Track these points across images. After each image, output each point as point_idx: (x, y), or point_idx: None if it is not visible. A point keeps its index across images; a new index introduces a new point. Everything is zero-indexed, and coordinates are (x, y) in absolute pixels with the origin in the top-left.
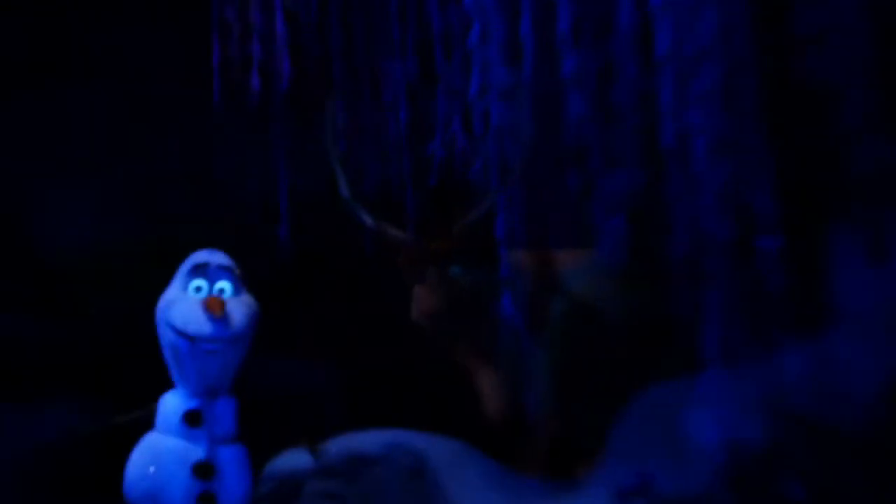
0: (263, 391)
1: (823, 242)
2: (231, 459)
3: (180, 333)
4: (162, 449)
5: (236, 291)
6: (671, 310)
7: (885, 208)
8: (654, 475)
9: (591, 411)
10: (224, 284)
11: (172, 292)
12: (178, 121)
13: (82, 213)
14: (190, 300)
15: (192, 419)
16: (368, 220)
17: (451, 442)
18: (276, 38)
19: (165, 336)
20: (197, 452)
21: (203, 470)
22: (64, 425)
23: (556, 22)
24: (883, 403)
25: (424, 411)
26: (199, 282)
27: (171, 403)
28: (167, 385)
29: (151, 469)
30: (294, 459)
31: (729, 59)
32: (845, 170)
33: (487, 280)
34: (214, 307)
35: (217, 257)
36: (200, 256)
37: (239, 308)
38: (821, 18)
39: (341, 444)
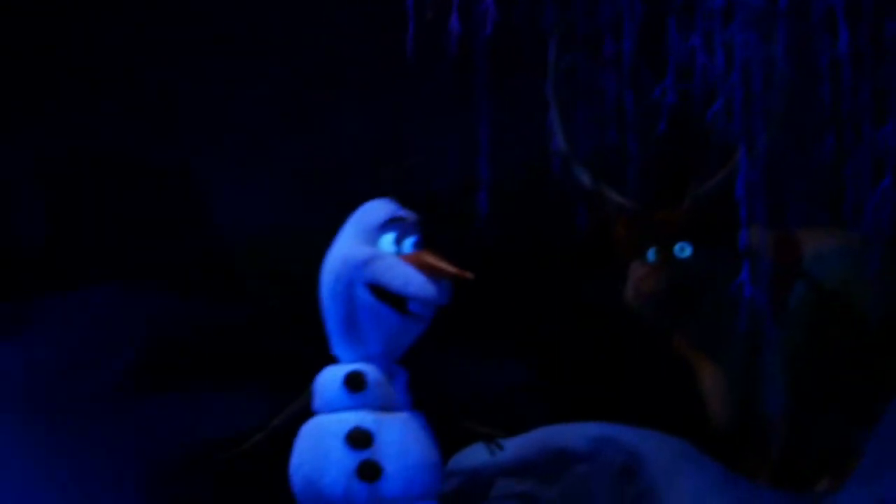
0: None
1: None
2: (402, 427)
3: (386, 294)
4: (316, 426)
5: (418, 248)
6: None
7: None
8: None
9: (835, 417)
10: (414, 241)
11: (364, 250)
12: (366, 86)
13: (265, 197)
14: (394, 258)
15: (353, 382)
16: (586, 179)
17: (671, 440)
18: None
19: (351, 296)
20: (352, 420)
21: (357, 438)
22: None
23: None
24: None
25: (637, 408)
26: (393, 234)
27: (331, 373)
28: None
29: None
30: (484, 454)
31: None
32: None
33: (723, 261)
34: (432, 264)
35: (402, 211)
36: (389, 209)
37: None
38: None
39: (539, 439)
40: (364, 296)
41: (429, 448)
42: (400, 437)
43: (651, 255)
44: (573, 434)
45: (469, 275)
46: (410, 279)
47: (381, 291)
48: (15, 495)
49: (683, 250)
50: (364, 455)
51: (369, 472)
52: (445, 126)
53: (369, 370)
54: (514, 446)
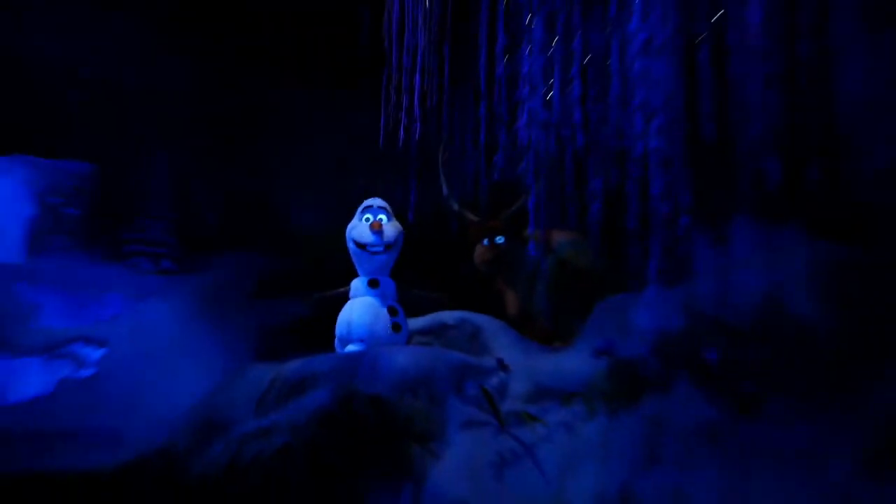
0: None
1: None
2: (400, 308)
3: (357, 244)
4: (359, 302)
5: (389, 220)
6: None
7: None
8: (615, 343)
9: (567, 313)
10: (382, 216)
11: (353, 222)
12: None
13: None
14: (362, 224)
15: (373, 284)
16: (456, 207)
17: (495, 320)
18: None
19: (350, 247)
20: (384, 302)
21: (392, 310)
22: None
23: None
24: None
25: (481, 309)
26: (368, 214)
27: (358, 280)
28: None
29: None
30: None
31: None
32: None
33: (518, 246)
34: (376, 226)
35: (377, 201)
36: (368, 202)
37: (391, 228)
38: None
39: (433, 317)
40: (351, 245)
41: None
42: (404, 314)
43: (486, 242)
44: (448, 316)
45: (377, 226)
46: (363, 234)
47: (356, 242)
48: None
49: (500, 240)
50: (394, 319)
51: (396, 327)
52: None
53: (381, 281)
54: (422, 321)
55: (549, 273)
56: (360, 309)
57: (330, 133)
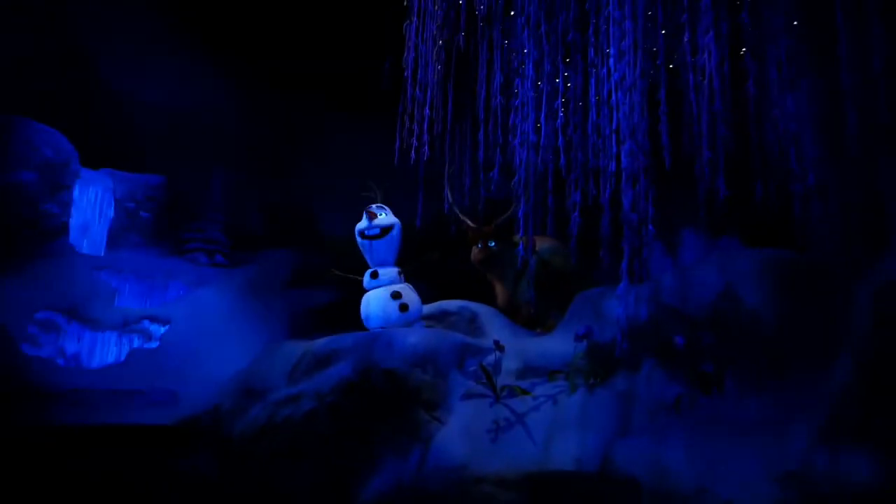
0: None
1: None
2: (410, 294)
3: (360, 234)
4: (373, 296)
5: (387, 215)
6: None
7: None
8: (594, 328)
9: (547, 304)
10: (381, 213)
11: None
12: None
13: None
14: (363, 220)
15: (374, 275)
16: (459, 215)
17: (489, 307)
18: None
19: (358, 241)
20: (388, 289)
21: (396, 294)
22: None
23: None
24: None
25: (477, 296)
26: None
27: (367, 272)
28: None
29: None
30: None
31: None
32: None
33: (507, 249)
34: (369, 214)
35: (376, 204)
36: (370, 205)
37: (386, 219)
38: None
39: (436, 306)
40: (357, 238)
41: (416, 301)
42: (412, 296)
43: (479, 245)
44: (449, 304)
45: (373, 213)
46: (361, 223)
47: (358, 233)
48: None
49: (492, 244)
50: (400, 301)
51: (403, 308)
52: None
53: (379, 270)
54: (427, 308)
55: (533, 271)
56: (373, 302)
57: (351, 153)
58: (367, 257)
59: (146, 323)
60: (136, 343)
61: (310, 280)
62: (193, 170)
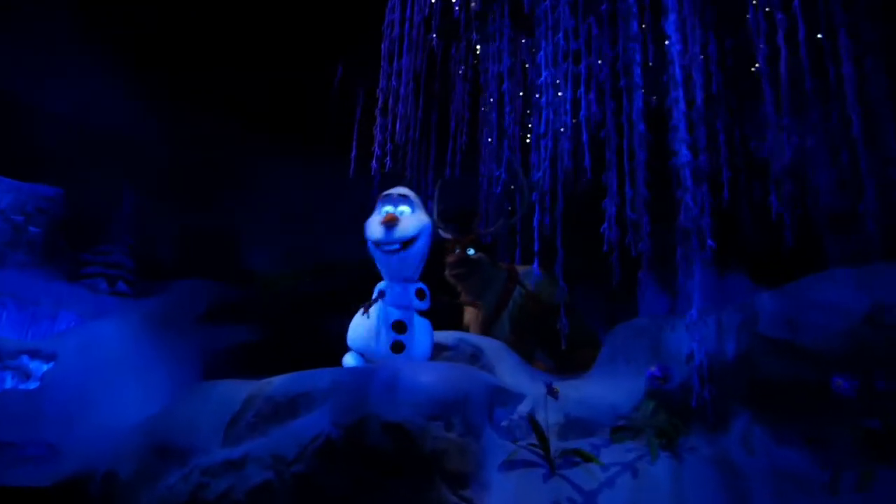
0: None
1: None
2: (418, 325)
3: (369, 240)
4: (374, 315)
5: (413, 211)
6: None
7: None
8: (672, 370)
9: (531, 339)
10: (404, 207)
11: (371, 217)
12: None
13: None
14: (376, 218)
15: (379, 295)
16: (442, 227)
17: (494, 341)
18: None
19: (369, 246)
20: (390, 315)
21: (398, 326)
22: None
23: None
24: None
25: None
26: (387, 207)
27: (378, 287)
28: None
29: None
30: None
31: None
32: None
33: (485, 263)
34: (387, 219)
35: (400, 189)
36: (389, 191)
37: (411, 221)
38: None
39: None
40: (369, 244)
41: (431, 340)
42: (420, 331)
43: (456, 251)
44: (443, 336)
45: (390, 219)
46: (373, 229)
47: (369, 239)
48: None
49: (470, 251)
50: (398, 337)
51: (397, 347)
52: None
53: (388, 288)
54: None
55: (519, 301)
56: (356, 321)
57: (285, 181)
58: (379, 266)
59: (25, 359)
60: (10, 383)
61: (229, 316)
62: (100, 186)
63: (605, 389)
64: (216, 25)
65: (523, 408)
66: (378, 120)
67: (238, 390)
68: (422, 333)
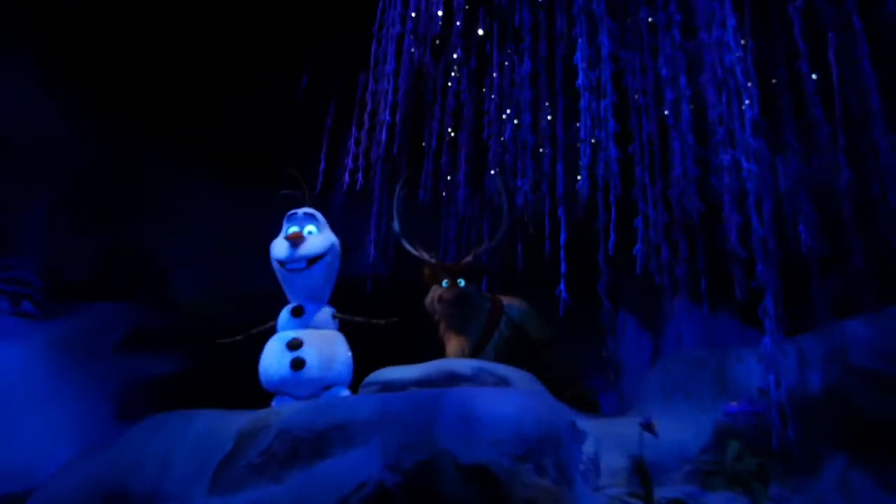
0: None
1: None
2: (320, 341)
3: (274, 259)
4: (273, 340)
5: (320, 230)
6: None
7: None
8: (756, 405)
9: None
10: (310, 227)
11: (277, 238)
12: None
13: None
14: (281, 238)
15: (297, 312)
16: (409, 246)
17: (523, 372)
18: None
19: (274, 267)
20: (290, 334)
21: (292, 344)
22: None
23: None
24: None
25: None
26: (293, 227)
27: (284, 310)
28: None
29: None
30: (399, 372)
31: None
32: None
33: (475, 291)
34: (291, 236)
35: (304, 209)
36: (294, 210)
37: (318, 240)
38: None
39: (435, 366)
40: (274, 265)
41: (338, 356)
42: (322, 347)
43: (444, 283)
44: (458, 364)
45: (295, 236)
46: (278, 248)
47: (273, 258)
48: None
49: (461, 283)
50: (295, 354)
51: (297, 364)
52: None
53: (306, 305)
54: (418, 370)
55: (506, 333)
56: (267, 351)
57: (214, 203)
58: (286, 290)
59: None
60: None
61: (149, 345)
62: (6, 193)
63: (667, 428)
64: (149, 26)
65: (587, 447)
66: (353, 132)
67: (223, 422)
68: (329, 350)
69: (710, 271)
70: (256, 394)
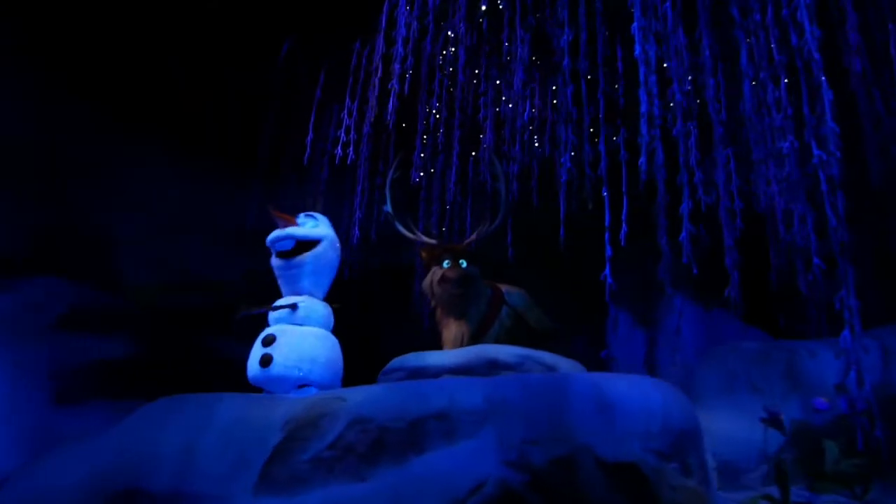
0: None
1: None
2: (296, 339)
3: (268, 245)
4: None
5: (318, 226)
6: None
7: None
8: (841, 402)
9: None
10: (310, 222)
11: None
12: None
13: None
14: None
15: (284, 307)
16: (402, 228)
17: (571, 361)
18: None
19: (272, 262)
20: (272, 329)
21: (266, 340)
22: None
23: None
24: None
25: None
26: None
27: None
28: None
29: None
30: (432, 358)
31: None
32: None
33: (478, 274)
34: (282, 218)
35: (306, 213)
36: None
37: (312, 229)
38: None
39: (471, 353)
40: (272, 258)
41: (307, 353)
42: (290, 345)
43: (446, 263)
44: (497, 350)
45: (286, 217)
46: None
47: (271, 250)
48: None
49: (464, 264)
50: (266, 350)
51: (265, 361)
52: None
53: (301, 303)
54: (453, 356)
55: (506, 322)
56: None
57: (165, 181)
58: (279, 283)
59: None
60: None
61: (90, 325)
62: None
63: (736, 424)
64: None
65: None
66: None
67: (257, 408)
68: (300, 344)
69: (710, 268)
70: (207, 381)
